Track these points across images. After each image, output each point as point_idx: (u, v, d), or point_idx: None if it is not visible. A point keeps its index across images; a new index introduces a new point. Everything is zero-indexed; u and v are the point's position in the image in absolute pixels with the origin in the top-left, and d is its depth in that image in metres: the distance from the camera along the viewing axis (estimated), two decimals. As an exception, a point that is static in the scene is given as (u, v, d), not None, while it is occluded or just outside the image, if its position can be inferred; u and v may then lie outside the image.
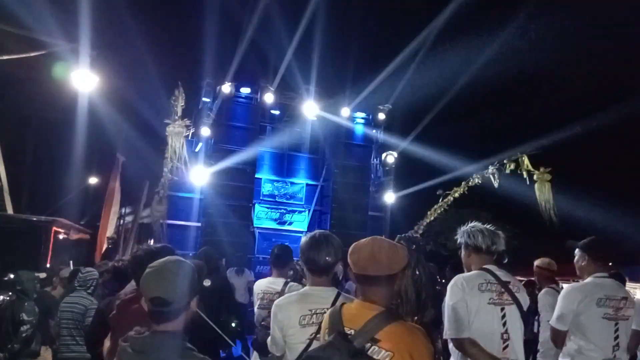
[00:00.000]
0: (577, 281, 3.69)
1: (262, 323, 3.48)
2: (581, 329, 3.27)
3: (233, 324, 6.93)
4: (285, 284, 3.74)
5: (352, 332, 1.85)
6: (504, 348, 2.73)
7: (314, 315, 2.37)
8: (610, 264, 3.67)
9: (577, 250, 3.57)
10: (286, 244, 4.34)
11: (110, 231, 14.32)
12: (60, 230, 11.75)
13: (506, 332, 2.75)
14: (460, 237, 3.10)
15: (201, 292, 2.03)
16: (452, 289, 2.90)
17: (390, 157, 15.01)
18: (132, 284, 2.99)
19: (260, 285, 3.90)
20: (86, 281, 4.92)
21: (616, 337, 3.25)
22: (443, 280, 5.60)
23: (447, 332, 2.84)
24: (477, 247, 2.97)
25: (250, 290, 9.58)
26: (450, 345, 2.95)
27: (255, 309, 3.81)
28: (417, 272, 2.24)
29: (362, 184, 14.47)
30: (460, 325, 2.77)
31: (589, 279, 3.42)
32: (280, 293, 3.60)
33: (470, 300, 2.80)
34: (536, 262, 5.30)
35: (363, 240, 2.00)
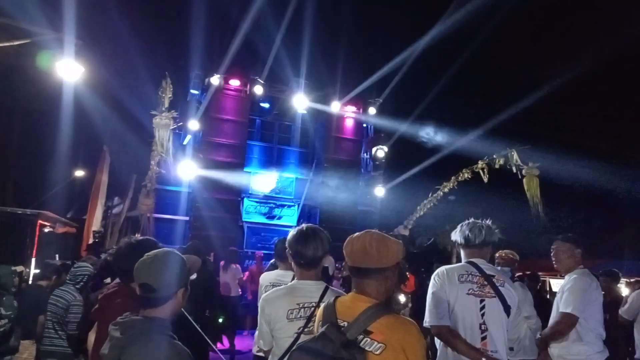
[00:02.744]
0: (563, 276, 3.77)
1: None
2: (596, 315, 3.50)
3: (220, 320, 6.85)
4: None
5: (346, 324, 1.85)
6: (483, 339, 2.77)
7: (302, 309, 2.36)
8: None
9: (566, 244, 3.68)
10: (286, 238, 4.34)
11: (96, 225, 14.14)
12: (45, 223, 11.57)
13: (484, 323, 2.79)
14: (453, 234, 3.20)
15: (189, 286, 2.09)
16: (433, 278, 2.99)
17: (381, 152, 15.02)
18: (117, 279, 2.92)
19: (269, 277, 3.89)
20: (76, 276, 4.87)
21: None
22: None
23: (427, 320, 2.89)
24: (457, 242, 3.10)
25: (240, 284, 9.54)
26: (435, 339, 2.98)
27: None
28: None
29: (352, 178, 14.45)
30: (439, 313, 2.84)
31: (580, 270, 3.60)
32: None
33: (449, 290, 2.87)
34: (502, 253, 5.17)
35: (358, 233, 2.02)
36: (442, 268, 3.00)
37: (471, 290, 2.85)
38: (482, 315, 2.80)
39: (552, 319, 3.65)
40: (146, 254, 1.97)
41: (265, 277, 3.94)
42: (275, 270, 4.04)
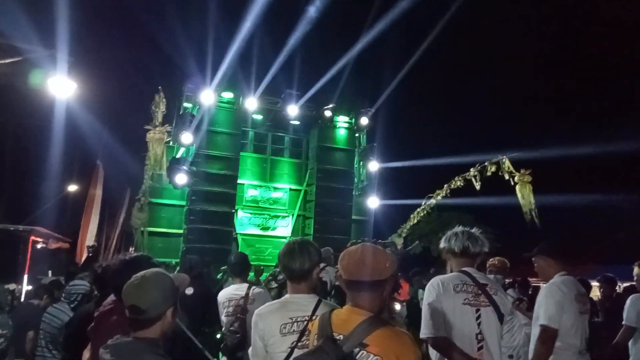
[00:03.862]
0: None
1: (231, 329, 3.64)
2: (566, 324, 3.28)
3: (218, 336, 6.79)
4: (249, 287, 3.89)
5: (341, 337, 1.87)
6: (479, 349, 2.77)
7: (295, 324, 2.36)
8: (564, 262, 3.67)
9: (542, 256, 3.61)
10: (242, 252, 4.50)
11: (90, 239, 14.08)
12: (38, 239, 11.52)
13: (480, 333, 2.80)
14: (441, 242, 3.17)
15: (183, 301, 2.13)
16: (428, 289, 2.97)
17: (373, 162, 15.06)
18: (112, 296, 2.92)
19: (225, 294, 3.98)
20: (70, 294, 4.78)
21: (584, 330, 3.38)
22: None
23: (423, 332, 2.88)
24: (452, 250, 3.05)
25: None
26: (430, 349, 2.96)
27: (223, 317, 3.89)
28: None
29: (346, 189, 14.46)
30: (436, 325, 2.83)
31: (557, 278, 3.46)
32: (245, 297, 3.78)
33: (445, 301, 2.86)
34: (495, 260, 5.15)
35: (353, 247, 2.04)
36: (436, 279, 2.99)
37: (467, 300, 2.85)
38: (479, 324, 2.80)
39: (533, 327, 3.49)
40: (134, 275, 1.99)
41: (222, 294, 4.02)
42: (231, 285, 4.11)
